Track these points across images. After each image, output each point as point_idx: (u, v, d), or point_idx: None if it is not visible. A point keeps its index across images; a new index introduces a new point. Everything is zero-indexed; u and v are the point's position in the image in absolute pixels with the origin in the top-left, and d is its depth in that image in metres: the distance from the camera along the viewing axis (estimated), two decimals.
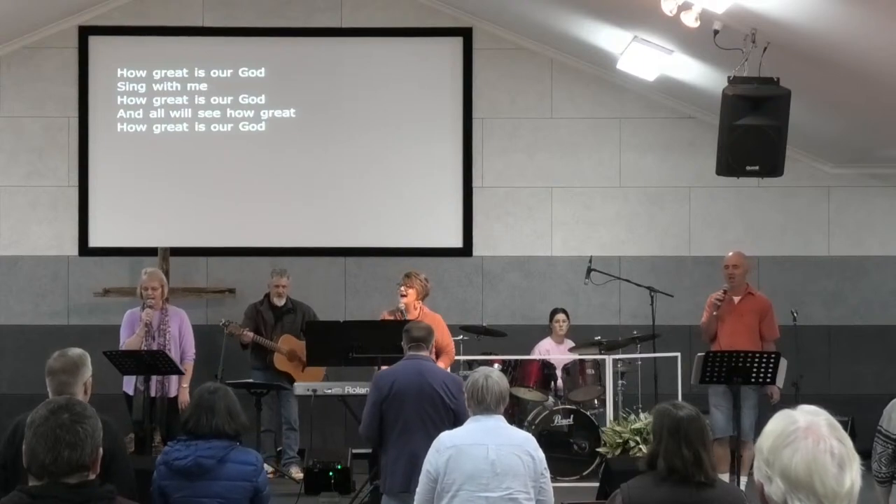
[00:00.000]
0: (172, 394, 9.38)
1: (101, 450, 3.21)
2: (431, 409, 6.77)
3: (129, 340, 9.39)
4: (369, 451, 8.60)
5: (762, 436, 2.43)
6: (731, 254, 9.85)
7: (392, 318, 9.09)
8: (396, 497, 6.77)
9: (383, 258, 11.66)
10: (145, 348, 9.20)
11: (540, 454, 5.59)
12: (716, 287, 9.92)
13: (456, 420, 6.76)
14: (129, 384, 9.36)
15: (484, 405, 5.61)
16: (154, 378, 9.22)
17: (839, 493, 2.33)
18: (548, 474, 5.62)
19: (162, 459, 5.34)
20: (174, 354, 9.39)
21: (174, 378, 9.37)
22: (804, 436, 2.36)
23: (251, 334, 10.48)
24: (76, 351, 5.14)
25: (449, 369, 9.27)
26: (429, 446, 6.63)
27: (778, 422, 2.41)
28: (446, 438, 5.64)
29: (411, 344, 6.98)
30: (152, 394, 9.28)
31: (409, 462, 6.70)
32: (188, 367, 9.56)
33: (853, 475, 2.35)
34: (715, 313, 9.55)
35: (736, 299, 9.63)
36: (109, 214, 11.84)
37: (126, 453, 5.15)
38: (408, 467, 6.70)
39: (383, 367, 8.04)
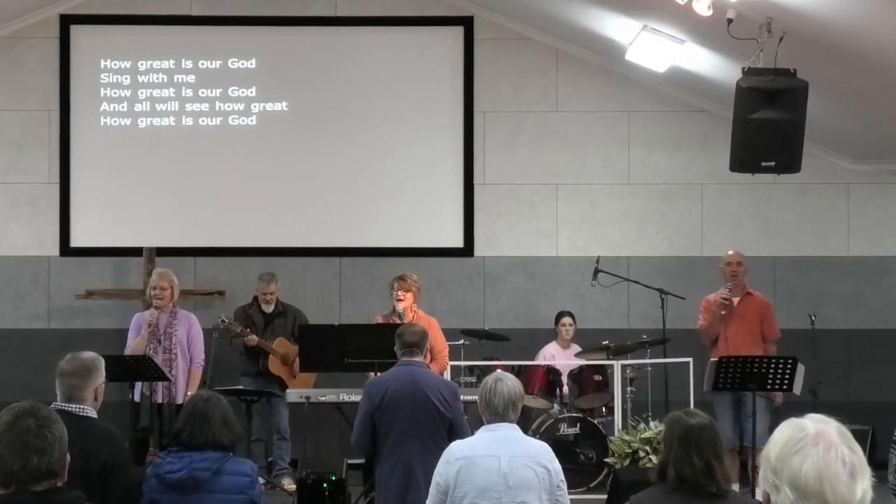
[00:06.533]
0: (179, 400, 9.42)
1: (67, 456, 3.23)
2: (426, 419, 6.76)
3: (133, 343, 9.48)
4: (364, 461, 8.62)
5: (769, 443, 2.44)
6: (731, 252, 9.98)
7: (387, 322, 9.10)
8: None
9: (380, 259, 11.67)
10: (150, 352, 9.25)
11: (556, 465, 5.56)
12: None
13: (452, 429, 6.76)
14: (137, 391, 9.42)
15: (492, 408, 5.59)
16: (161, 384, 9.27)
17: (850, 503, 2.34)
18: (564, 486, 5.60)
19: (153, 472, 5.31)
20: (180, 359, 9.47)
21: (181, 384, 9.43)
22: (814, 443, 2.37)
23: (255, 337, 10.48)
24: (89, 354, 5.15)
25: (446, 377, 9.32)
26: (424, 457, 6.62)
27: (786, 429, 2.43)
28: (456, 449, 5.61)
29: (404, 349, 6.98)
30: (159, 400, 9.34)
31: (404, 474, 6.70)
32: (196, 373, 9.63)
33: (865, 485, 2.37)
34: (723, 312, 9.58)
35: (735, 300, 9.69)
36: (92, 213, 11.85)
37: (129, 468, 5.09)
38: (402, 480, 6.71)
39: (371, 375, 8.06)
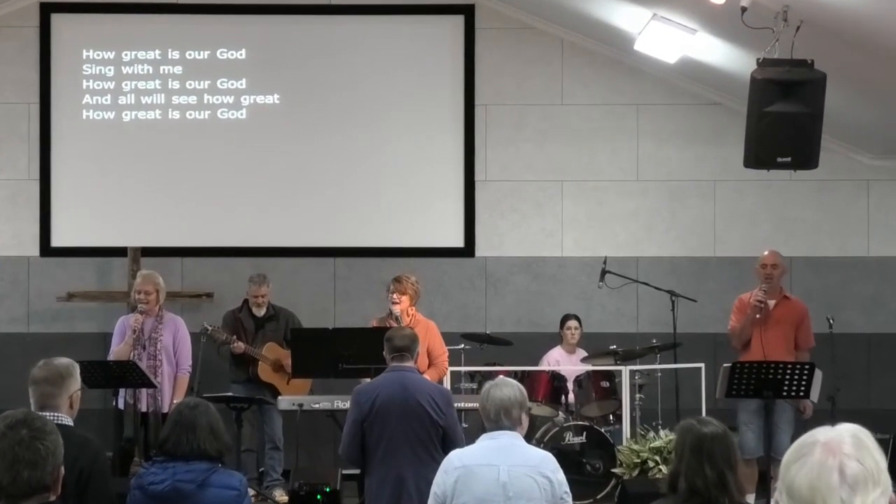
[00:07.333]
0: (165, 409, 9.41)
1: (62, 469, 3.24)
2: (418, 427, 6.77)
3: (117, 349, 9.48)
4: (359, 471, 8.63)
5: (787, 451, 2.43)
6: (767, 252, 9.88)
7: (383, 325, 9.11)
8: None
9: (376, 259, 11.67)
10: (135, 358, 9.25)
11: (559, 476, 5.57)
12: (742, 290, 9.93)
13: (446, 437, 6.77)
14: (121, 398, 9.42)
15: (485, 414, 5.63)
16: (145, 391, 9.27)
17: None
18: (569, 498, 5.61)
19: (136, 483, 5.32)
20: (166, 365, 9.46)
21: (167, 391, 9.42)
22: (817, 451, 2.33)
23: (242, 345, 10.47)
24: (63, 361, 5.16)
25: (446, 383, 9.33)
26: (416, 467, 6.64)
27: (802, 436, 2.40)
28: (455, 458, 5.64)
29: (394, 354, 6.99)
30: (144, 409, 9.34)
31: (395, 485, 6.71)
32: (183, 380, 9.61)
33: (869, 499, 2.29)
34: (758, 315, 9.54)
35: (770, 304, 9.64)
36: (74, 211, 11.85)
37: (106, 475, 5.14)
38: (393, 491, 6.71)
39: (364, 381, 8.07)
